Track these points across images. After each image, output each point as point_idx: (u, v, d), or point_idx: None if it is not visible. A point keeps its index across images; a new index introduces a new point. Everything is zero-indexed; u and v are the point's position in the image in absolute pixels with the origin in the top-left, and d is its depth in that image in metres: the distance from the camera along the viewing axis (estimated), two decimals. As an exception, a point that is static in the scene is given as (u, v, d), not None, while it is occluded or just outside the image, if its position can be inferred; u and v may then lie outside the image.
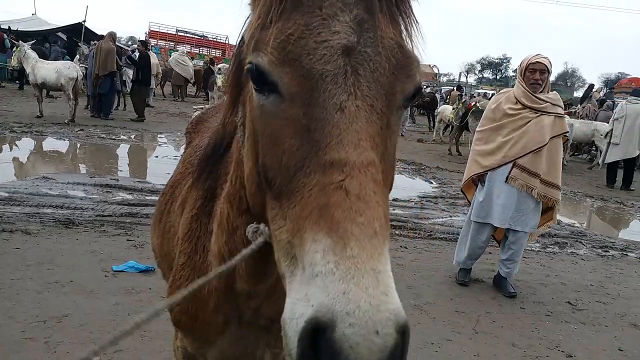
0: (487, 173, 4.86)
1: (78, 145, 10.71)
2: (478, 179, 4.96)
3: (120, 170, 8.77)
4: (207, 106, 14.47)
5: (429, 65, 37.21)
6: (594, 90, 20.13)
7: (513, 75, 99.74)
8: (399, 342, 0.73)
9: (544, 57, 4.73)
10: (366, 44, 0.88)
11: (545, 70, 4.70)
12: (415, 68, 0.95)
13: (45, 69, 12.95)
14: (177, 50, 26.43)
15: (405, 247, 6.07)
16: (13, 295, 3.87)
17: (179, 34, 40.55)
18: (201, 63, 26.91)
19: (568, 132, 5.00)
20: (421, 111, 25.68)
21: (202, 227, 1.52)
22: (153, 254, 2.38)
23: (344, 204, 0.78)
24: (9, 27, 21.26)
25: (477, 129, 5.10)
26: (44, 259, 4.58)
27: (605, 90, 28.99)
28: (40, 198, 6.38)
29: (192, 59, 24.80)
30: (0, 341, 3.26)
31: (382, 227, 0.81)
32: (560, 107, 4.81)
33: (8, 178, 7.50)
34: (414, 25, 0.99)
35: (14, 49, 13.65)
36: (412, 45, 0.99)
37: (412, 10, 1.00)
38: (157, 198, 6.93)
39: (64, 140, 10.91)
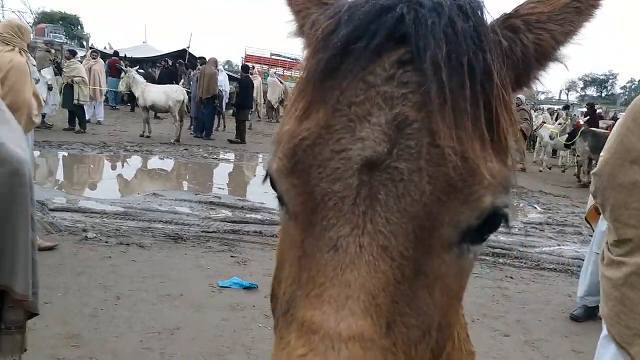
0: None
1: (183, 163, 11.40)
2: None
3: (221, 188, 9.18)
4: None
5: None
6: None
7: (621, 92, 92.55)
8: None
9: None
10: (401, 156, 0.64)
11: None
12: (484, 189, 0.64)
13: (154, 92, 13.99)
14: (268, 73, 27.50)
15: (512, 277, 5.71)
16: (131, 305, 4.13)
17: (273, 57, 42.26)
18: (293, 85, 27.72)
19: None
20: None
21: None
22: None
23: None
24: (125, 54, 23.37)
25: (602, 153, 4.72)
26: (156, 272, 4.86)
27: None
28: (151, 213, 6.83)
29: (284, 81, 25.66)
30: (122, 348, 3.48)
31: None
32: None
33: (123, 193, 8.15)
34: (504, 115, 0.69)
35: (122, 75, 14.86)
36: (494, 146, 0.68)
37: (504, 93, 0.69)
38: (257, 216, 7.18)
39: (170, 159, 11.67)
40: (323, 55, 0.71)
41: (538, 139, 16.65)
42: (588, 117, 14.56)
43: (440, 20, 0.68)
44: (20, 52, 3.90)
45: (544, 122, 15.49)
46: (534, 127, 15.85)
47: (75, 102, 13.37)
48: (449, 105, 0.64)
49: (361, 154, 0.64)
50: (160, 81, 17.70)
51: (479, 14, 0.72)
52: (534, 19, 0.75)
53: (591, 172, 2.17)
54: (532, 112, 14.86)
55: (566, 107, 19.39)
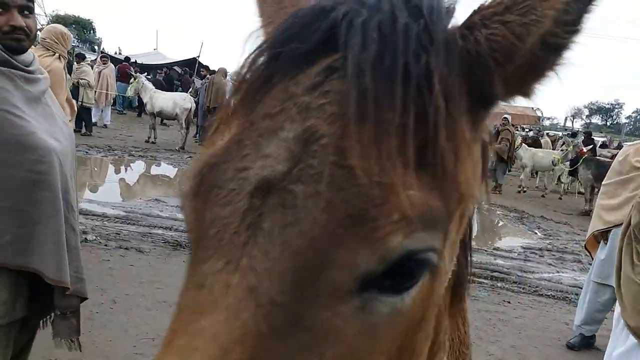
0: (610, 230, 4.45)
1: (187, 171, 11.42)
2: (601, 236, 4.56)
3: (223, 198, 9.19)
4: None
5: (532, 108, 35.63)
6: None
7: (626, 122, 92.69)
8: None
9: None
10: (300, 177, 0.52)
11: None
12: (392, 224, 0.50)
13: (162, 99, 14.09)
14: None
15: (509, 302, 5.69)
16: (127, 310, 4.12)
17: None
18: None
19: None
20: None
21: None
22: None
23: None
24: (136, 60, 23.60)
25: (604, 182, 4.73)
26: (154, 278, 4.86)
27: None
28: (152, 219, 6.84)
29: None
30: (115, 352, 3.48)
31: None
32: None
33: (125, 198, 8.18)
34: (446, 133, 0.55)
35: (131, 80, 15.00)
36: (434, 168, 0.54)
37: (450, 105, 0.56)
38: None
39: (174, 165, 11.72)
40: (250, 65, 0.63)
41: (517, 160, 16.07)
42: (592, 145, 14.62)
43: (376, 18, 0.56)
44: (59, 58, 3.98)
45: (523, 142, 15.38)
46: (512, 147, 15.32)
47: (80, 103, 13.46)
48: (370, 117, 0.52)
49: (259, 173, 0.54)
50: (161, 87, 17.89)
51: (437, 12, 0.60)
52: (491, 12, 0.60)
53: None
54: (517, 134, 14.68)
55: (574, 134, 19.39)
